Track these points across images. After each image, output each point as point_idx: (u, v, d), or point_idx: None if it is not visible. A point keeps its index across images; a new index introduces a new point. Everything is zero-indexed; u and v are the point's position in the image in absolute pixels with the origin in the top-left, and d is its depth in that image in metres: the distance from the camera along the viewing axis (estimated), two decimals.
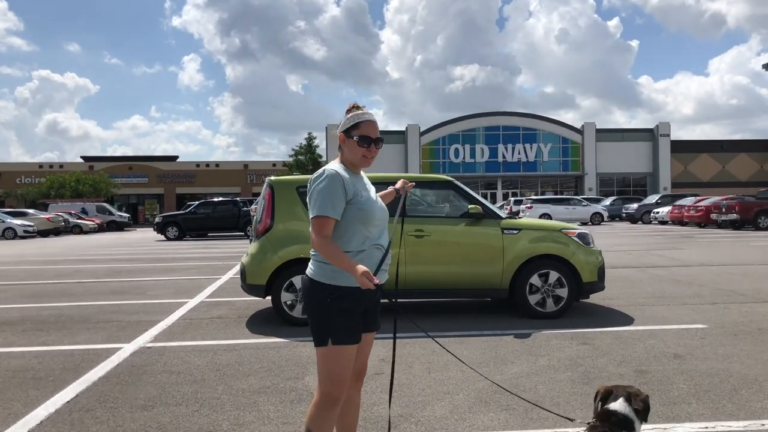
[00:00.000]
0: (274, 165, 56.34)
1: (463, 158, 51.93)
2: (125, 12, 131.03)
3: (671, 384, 4.20)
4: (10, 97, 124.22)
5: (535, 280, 6.57)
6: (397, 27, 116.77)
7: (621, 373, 4.49)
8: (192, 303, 8.00)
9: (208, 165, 58.25)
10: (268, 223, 6.57)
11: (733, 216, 24.70)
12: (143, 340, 5.86)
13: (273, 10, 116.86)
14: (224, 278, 10.75)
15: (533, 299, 6.56)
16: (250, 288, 6.58)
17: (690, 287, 8.60)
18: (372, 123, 2.61)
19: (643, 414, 2.20)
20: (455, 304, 7.55)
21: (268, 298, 6.62)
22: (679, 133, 46.44)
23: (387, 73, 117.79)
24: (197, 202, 28.28)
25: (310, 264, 2.64)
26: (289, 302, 6.40)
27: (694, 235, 22.00)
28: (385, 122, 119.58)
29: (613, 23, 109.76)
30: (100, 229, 37.75)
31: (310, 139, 46.70)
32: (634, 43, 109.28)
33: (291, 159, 46.97)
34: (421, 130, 52.32)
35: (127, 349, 5.48)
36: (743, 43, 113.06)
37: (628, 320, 6.42)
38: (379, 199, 2.73)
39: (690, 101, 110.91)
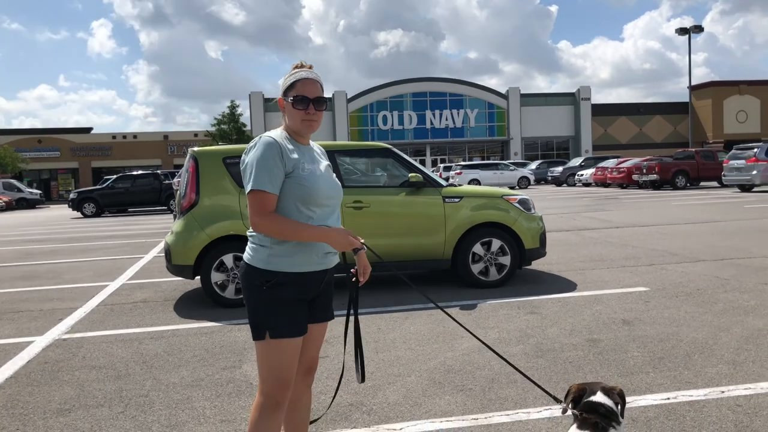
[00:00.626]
0: (195, 135, 54.24)
1: (392, 125, 51.65)
2: None
3: (625, 353, 4.10)
4: None
5: (477, 248, 6.38)
6: None
7: (573, 343, 4.35)
8: (113, 286, 7.39)
9: (125, 137, 55.41)
10: (193, 198, 6.05)
11: (653, 177, 25.65)
12: (58, 331, 5.29)
13: None
14: (147, 257, 10.09)
15: (476, 268, 6.38)
16: (176, 269, 6.07)
17: (624, 249, 8.70)
18: (309, 80, 2.26)
19: (622, 408, 2.04)
20: (395, 277, 7.30)
21: (197, 278, 6.15)
22: (597, 97, 48.14)
23: (310, 39, 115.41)
24: (115, 176, 26.79)
25: (246, 248, 2.30)
26: (220, 282, 5.95)
27: (618, 196, 22.69)
28: None
29: None
30: (9, 207, 35.33)
31: (232, 107, 45.03)
32: (553, 9, 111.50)
33: (214, 128, 45.28)
34: (348, 97, 51.60)
35: (39, 343, 4.92)
36: (655, 9, 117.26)
37: (571, 286, 6.35)
38: (332, 175, 2.38)
39: (607, 66, 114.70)
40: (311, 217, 2.23)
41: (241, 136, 43.56)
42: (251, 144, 2.22)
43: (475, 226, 6.39)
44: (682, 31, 42.39)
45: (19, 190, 38.59)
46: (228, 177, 6.11)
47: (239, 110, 45.17)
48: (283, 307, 2.19)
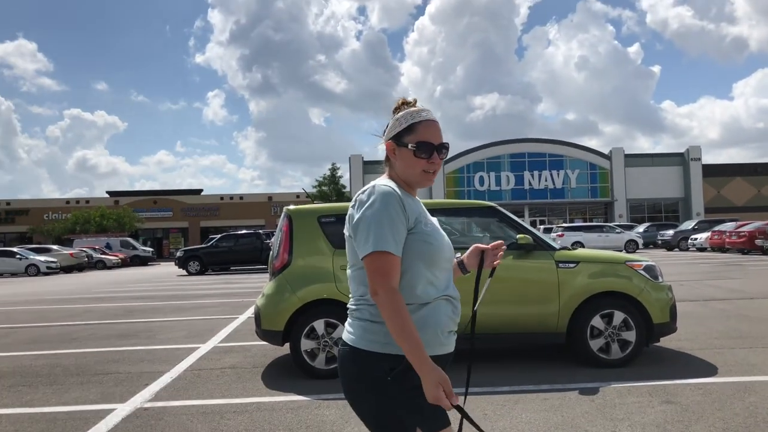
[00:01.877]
0: (297, 196, 55.93)
1: (489, 186, 50.94)
2: (150, 50, 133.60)
3: None
4: (41, 135, 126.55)
5: (596, 321, 5.60)
6: (416, 59, 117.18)
7: None
8: (204, 349, 7.16)
9: (232, 198, 58.08)
10: (285, 258, 5.74)
11: None
12: (141, 398, 5.01)
13: (293, 45, 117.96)
14: (242, 317, 9.92)
15: (595, 344, 5.59)
16: (265, 334, 5.72)
17: (765, 324, 7.54)
18: (433, 124, 1.86)
19: None
20: (502, 352, 6.60)
21: (287, 345, 5.76)
22: (706, 158, 45.25)
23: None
24: (219, 236, 27.72)
25: (347, 324, 1.86)
26: (310, 350, 5.53)
27: (741, 262, 20.69)
28: None
29: (633, 49, 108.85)
30: (124, 264, 37.42)
31: (333, 169, 46.31)
32: (656, 69, 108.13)
33: (314, 189, 46.49)
34: (445, 159, 51.62)
35: (119, 412, 4.63)
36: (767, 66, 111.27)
37: (710, 369, 5.42)
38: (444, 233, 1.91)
39: (715, 125, 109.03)
40: (433, 282, 1.80)
41: (341, 197, 44.40)
42: (363, 194, 1.80)
43: (594, 296, 5.64)
44: None
45: (134, 248, 40.93)
46: (323, 237, 5.77)
47: (339, 172, 46.24)
48: (418, 398, 1.68)
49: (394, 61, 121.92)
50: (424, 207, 1.91)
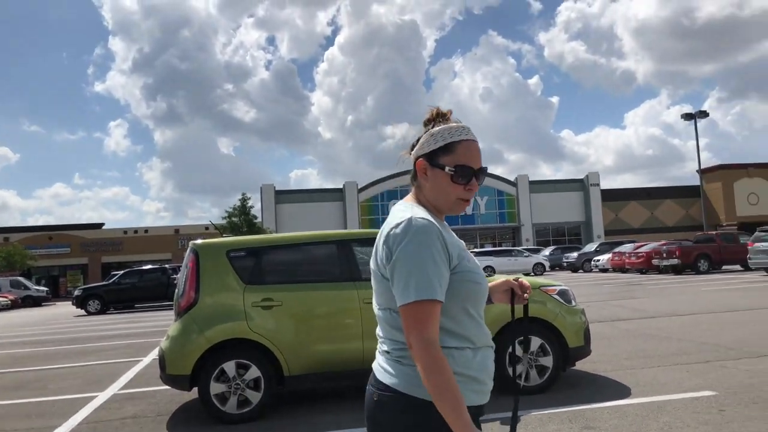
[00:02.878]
0: (206, 228, 54.14)
1: None
2: (44, 78, 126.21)
3: None
4: None
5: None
6: (327, 88, 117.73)
7: None
8: (102, 397, 6.58)
9: (136, 231, 55.42)
10: (192, 296, 5.38)
11: (674, 261, 24.79)
12: None
13: (199, 74, 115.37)
14: (146, 360, 9.29)
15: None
16: (170, 379, 5.31)
17: (670, 343, 7.84)
18: (474, 144, 1.65)
19: None
20: None
21: (195, 389, 5.37)
22: (603, 183, 48.03)
23: (319, 134, 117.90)
24: (122, 272, 26.23)
25: (385, 364, 1.61)
26: (220, 394, 5.17)
27: (640, 282, 21.78)
28: (320, 181, 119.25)
29: (533, 81, 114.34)
30: (14, 305, 34.64)
31: (243, 199, 45.06)
32: (554, 100, 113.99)
33: (224, 221, 45.17)
34: (358, 187, 51.80)
35: None
36: (654, 98, 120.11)
37: (624, 390, 5.51)
38: None
39: (610, 153, 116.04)
40: (480, 324, 1.61)
41: (252, 228, 43.32)
42: (398, 231, 1.54)
43: (510, 323, 5.63)
44: (687, 116, 42.63)
45: (26, 288, 38.05)
46: (232, 272, 5.46)
47: (250, 202, 45.24)
48: None
49: (304, 90, 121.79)
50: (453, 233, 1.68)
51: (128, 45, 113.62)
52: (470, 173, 1.62)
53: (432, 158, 1.64)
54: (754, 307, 11.26)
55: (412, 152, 1.71)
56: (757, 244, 21.05)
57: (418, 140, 1.71)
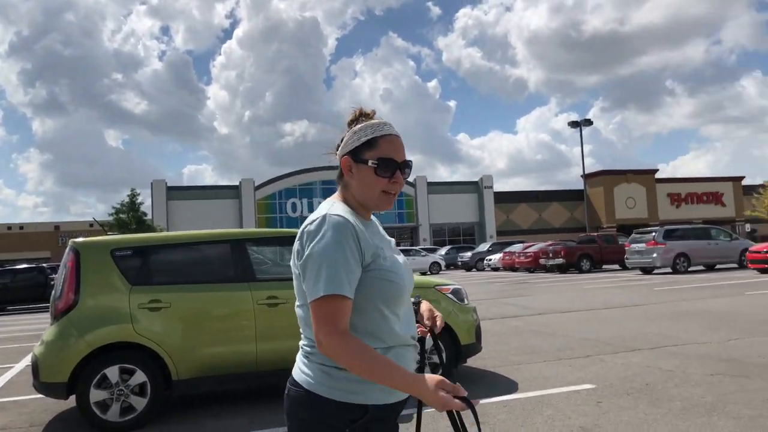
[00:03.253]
0: (90, 225, 51.15)
1: (301, 212, 51.05)
2: None
3: None
4: None
5: None
6: (224, 82, 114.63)
7: None
8: None
9: (10, 228, 51.52)
10: (71, 298, 5.03)
11: (560, 260, 26.22)
12: None
13: (85, 62, 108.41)
14: (19, 366, 8.60)
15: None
16: (45, 387, 4.94)
17: (555, 338, 8.26)
18: (396, 139, 1.69)
19: None
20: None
21: (73, 397, 5.03)
22: (496, 186, 50.27)
23: (215, 129, 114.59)
24: None
25: (300, 364, 1.65)
26: (101, 402, 4.87)
27: (528, 280, 22.84)
28: (215, 178, 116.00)
29: (432, 84, 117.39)
30: None
31: (132, 195, 42.95)
32: (452, 104, 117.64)
33: (111, 217, 42.83)
34: (255, 185, 50.79)
35: None
36: (544, 105, 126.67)
37: (512, 385, 5.73)
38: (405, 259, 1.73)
39: (503, 157, 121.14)
40: (396, 325, 1.62)
41: (141, 225, 41.35)
42: (312, 225, 1.58)
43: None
44: (573, 124, 45.28)
45: None
46: (117, 272, 5.16)
47: (140, 198, 43.17)
48: None
49: (200, 83, 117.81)
50: (380, 233, 1.72)
51: (5, 27, 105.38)
52: (394, 166, 1.65)
53: (356, 155, 1.67)
54: (630, 304, 12.10)
55: (338, 151, 1.74)
56: (633, 245, 22.68)
57: (342, 140, 1.74)
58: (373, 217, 1.77)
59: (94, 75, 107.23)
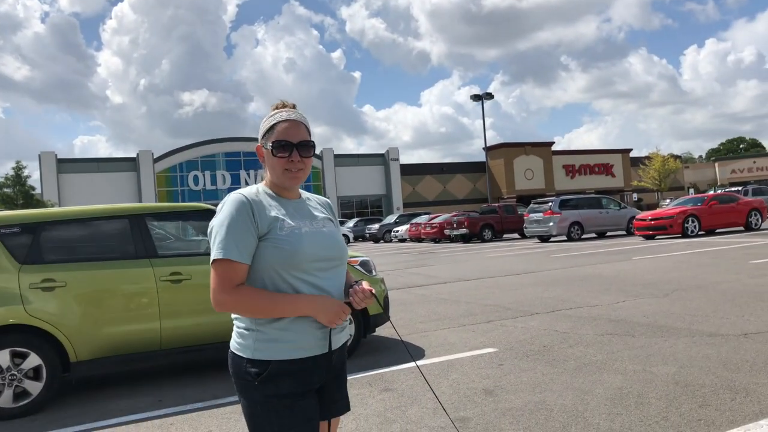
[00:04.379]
0: None
1: (204, 185, 49.62)
2: None
3: (501, 431, 3.65)
4: None
5: None
6: (116, 48, 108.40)
7: (442, 426, 3.82)
8: None
9: None
10: None
11: (463, 231, 27.05)
12: None
13: None
14: None
15: None
16: None
17: (459, 305, 8.56)
18: (291, 123, 1.90)
19: None
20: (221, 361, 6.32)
21: None
22: (403, 158, 51.16)
23: (107, 98, 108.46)
24: None
25: (233, 333, 1.91)
26: None
27: (434, 250, 23.44)
28: (110, 149, 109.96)
29: (336, 55, 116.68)
30: None
31: (18, 168, 40.14)
32: (357, 75, 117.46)
33: None
34: (154, 157, 48.71)
35: None
36: (447, 78, 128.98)
37: (419, 352, 5.91)
38: (332, 231, 1.95)
39: (408, 129, 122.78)
40: (297, 288, 1.82)
41: (29, 200, 38.76)
42: (220, 205, 1.87)
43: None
44: (476, 97, 46.44)
45: None
46: (3, 251, 4.83)
47: (26, 171, 40.36)
48: (285, 405, 1.78)
49: (89, 49, 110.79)
50: (304, 209, 1.94)
51: None
52: (288, 146, 1.86)
53: (263, 142, 1.92)
54: (528, 270, 12.72)
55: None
56: (531, 215, 23.74)
57: None
58: (308, 195, 2.02)
59: None
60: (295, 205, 1.93)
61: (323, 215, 1.99)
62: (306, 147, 1.89)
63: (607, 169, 62.37)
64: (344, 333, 1.96)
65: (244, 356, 1.82)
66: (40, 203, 38.60)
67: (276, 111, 1.93)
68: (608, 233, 24.34)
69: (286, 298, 1.79)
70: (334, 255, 1.90)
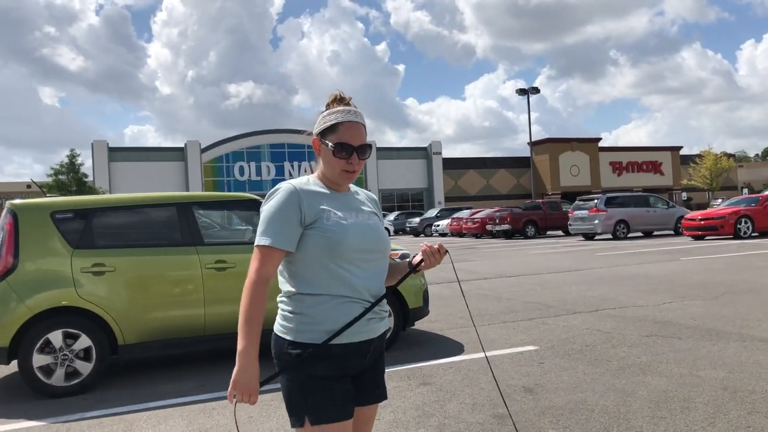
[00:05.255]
0: (28, 186, 49.29)
1: (249, 176, 50.32)
2: None
3: (541, 430, 3.61)
4: None
5: None
6: (166, 40, 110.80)
7: (480, 422, 3.81)
8: None
9: None
10: (10, 261, 4.86)
11: (506, 226, 26.79)
12: None
13: (14, 13, 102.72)
14: None
15: None
16: None
17: (500, 302, 8.49)
18: (356, 125, 1.95)
19: None
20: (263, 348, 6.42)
21: (14, 362, 4.91)
22: (445, 152, 50.99)
23: (156, 88, 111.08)
24: None
25: (277, 314, 1.99)
26: (44, 366, 4.77)
27: (475, 245, 23.28)
28: (158, 139, 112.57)
29: (381, 48, 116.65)
30: None
31: (72, 156, 41.38)
32: (401, 68, 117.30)
33: (50, 179, 41.21)
34: (201, 147, 49.65)
35: None
36: (492, 72, 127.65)
37: (458, 347, 5.89)
38: (377, 225, 2.01)
39: (451, 123, 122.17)
40: (342, 276, 1.88)
41: (82, 187, 40.00)
42: (271, 191, 1.95)
43: None
44: (521, 91, 45.82)
45: None
46: (58, 235, 5.01)
47: (80, 159, 41.62)
48: (321, 386, 1.86)
49: (140, 41, 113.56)
50: (352, 202, 1.99)
51: None
52: (350, 149, 1.92)
53: (322, 136, 1.95)
54: (572, 269, 12.52)
55: (314, 131, 2.00)
56: (576, 212, 23.34)
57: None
58: (356, 189, 2.08)
59: (24, 28, 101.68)
60: (343, 198, 1.98)
61: (369, 209, 2.04)
62: (365, 150, 1.95)
63: (655, 167, 60.77)
64: (384, 323, 2.00)
65: (286, 338, 1.89)
66: (92, 190, 39.79)
67: (339, 108, 1.96)
68: (655, 233, 23.74)
69: (257, 333, 1.83)
70: (377, 247, 1.96)
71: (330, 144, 1.92)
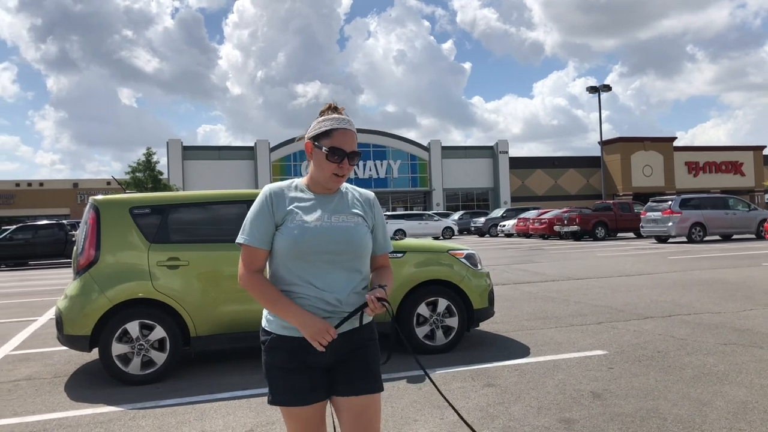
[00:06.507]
0: (108, 183, 51.68)
1: None
2: None
3: None
4: None
5: (422, 309, 5.74)
6: (236, 42, 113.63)
7: (546, 426, 3.74)
8: None
9: (30, 184, 51.96)
10: (92, 254, 5.13)
11: (574, 227, 26.13)
12: None
13: (95, 18, 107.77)
14: (42, 319, 8.83)
15: (421, 332, 5.72)
16: (69, 340, 5.08)
17: (568, 305, 8.30)
18: (348, 132, 2.06)
19: None
20: None
21: (95, 350, 5.17)
22: (511, 151, 49.97)
23: (227, 89, 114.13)
24: (14, 226, 24.63)
25: None
26: (122, 355, 5.01)
27: (542, 247, 22.83)
28: (229, 138, 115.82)
29: (447, 46, 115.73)
30: None
31: (149, 154, 43.10)
32: (467, 66, 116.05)
33: (127, 176, 43.10)
34: (270, 146, 50.79)
35: None
36: (561, 69, 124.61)
37: (523, 350, 5.79)
38: (350, 225, 2.04)
39: (518, 121, 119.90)
40: (301, 275, 2.00)
41: (157, 184, 41.65)
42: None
43: (419, 285, 5.77)
44: (592, 89, 44.50)
45: None
46: (135, 230, 5.24)
47: (155, 158, 43.33)
48: (279, 372, 2.02)
49: (212, 42, 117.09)
50: (331, 203, 2.07)
51: None
52: (342, 154, 2.02)
53: (315, 141, 2.05)
54: (644, 272, 12.09)
55: (305, 135, 2.11)
56: (649, 214, 22.52)
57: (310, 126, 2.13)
58: (347, 190, 2.13)
59: (105, 31, 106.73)
60: (322, 200, 2.07)
61: (354, 210, 2.10)
62: (355, 156, 2.05)
63: (735, 168, 57.85)
64: (353, 322, 2.03)
65: (262, 324, 2.09)
66: (166, 187, 41.38)
67: (333, 115, 2.06)
68: (734, 236, 22.63)
69: (285, 303, 1.97)
70: (341, 249, 2.01)
71: (324, 148, 2.02)
